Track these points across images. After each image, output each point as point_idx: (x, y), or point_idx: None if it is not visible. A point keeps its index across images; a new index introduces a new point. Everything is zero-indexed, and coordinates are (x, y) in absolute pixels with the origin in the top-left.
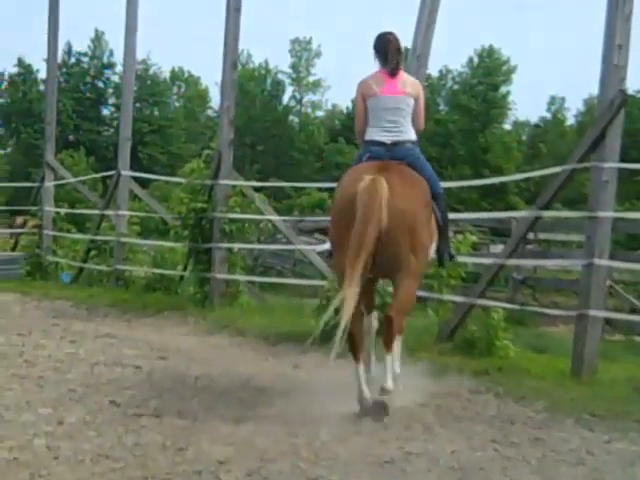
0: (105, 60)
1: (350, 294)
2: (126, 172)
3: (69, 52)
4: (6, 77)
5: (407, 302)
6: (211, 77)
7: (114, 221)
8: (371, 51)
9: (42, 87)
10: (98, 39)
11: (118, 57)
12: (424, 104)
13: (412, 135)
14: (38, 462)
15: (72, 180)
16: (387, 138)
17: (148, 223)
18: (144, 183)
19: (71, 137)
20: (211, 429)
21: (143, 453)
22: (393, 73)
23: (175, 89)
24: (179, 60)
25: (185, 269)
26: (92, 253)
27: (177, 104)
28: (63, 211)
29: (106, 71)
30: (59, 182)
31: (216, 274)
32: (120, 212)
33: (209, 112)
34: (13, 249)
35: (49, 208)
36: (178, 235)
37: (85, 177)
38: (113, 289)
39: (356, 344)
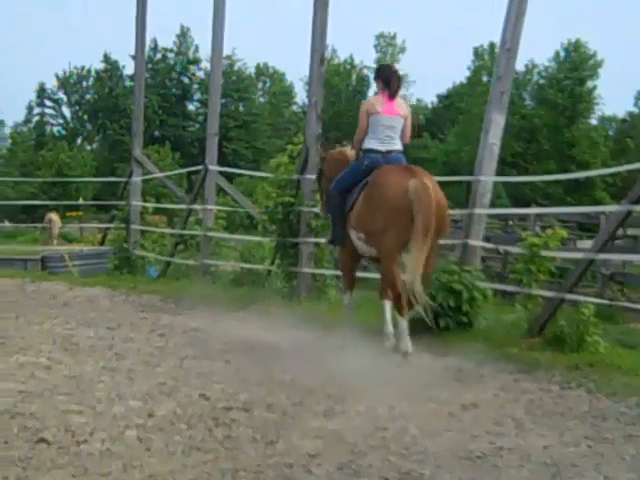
0: (190, 56)
1: (420, 270)
2: (213, 167)
3: (155, 48)
4: (93, 73)
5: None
6: (296, 73)
7: (201, 215)
8: (379, 77)
9: (128, 83)
10: (184, 35)
11: (203, 53)
12: (410, 123)
13: (400, 146)
14: (130, 453)
15: (159, 175)
16: (383, 147)
17: (233, 218)
18: (229, 178)
19: (157, 133)
20: (300, 423)
21: (234, 446)
22: (392, 97)
23: (260, 85)
24: (264, 56)
25: (272, 263)
26: (179, 247)
27: (262, 99)
28: (150, 205)
29: (191, 67)
30: (147, 177)
31: (303, 268)
32: (208, 206)
33: (294, 107)
34: (101, 243)
35: (136, 202)
36: (266, 229)
37: (172, 172)
38: (200, 283)
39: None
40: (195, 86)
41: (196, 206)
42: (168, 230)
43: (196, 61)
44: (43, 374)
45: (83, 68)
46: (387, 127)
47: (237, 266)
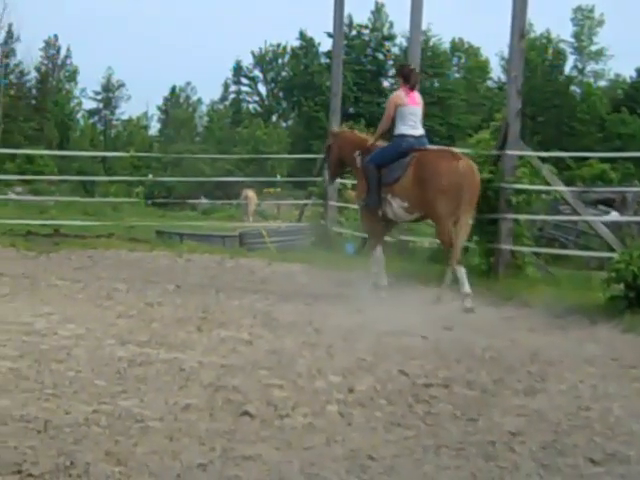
0: (385, 32)
1: (466, 235)
2: None
3: (350, 25)
4: (288, 50)
5: None
6: (491, 48)
7: None
8: (400, 74)
9: (323, 60)
10: (378, 11)
11: (398, 29)
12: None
13: (423, 130)
14: (332, 428)
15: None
16: (414, 132)
17: None
18: None
19: (351, 109)
20: (501, 401)
21: (434, 422)
22: (412, 89)
23: (455, 60)
24: (460, 31)
25: (470, 240)
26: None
27: (457, 75)
28: (349, 182)
29: (386, 43)
30: None
31: (502, 245)
32: None
33: (489, 83)
34: (298, 220)
35: None
36: None
37: None
38: (397, 260)
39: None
40: (390, 62)
41: None
42: None
43: (391, 37)
44: (244, 349)
45: (279, 45)
46: (413, 115)
47: (434, 242)
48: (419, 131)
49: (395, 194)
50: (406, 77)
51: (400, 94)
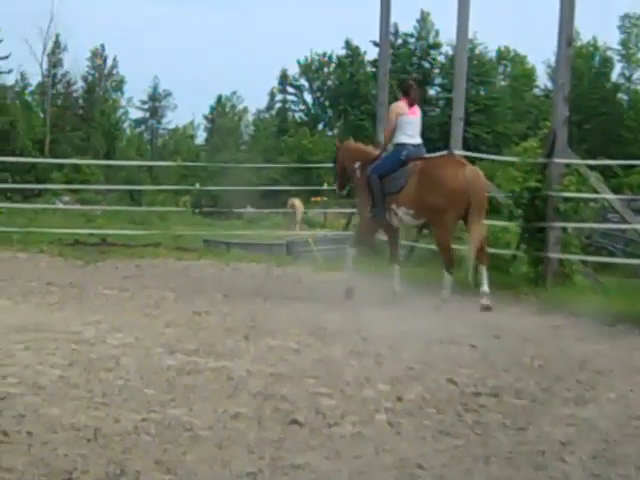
0: (431, 40)
1: (478, 239)
2: (458, 151)
3: (396, 33)
4: (334, 59)
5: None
6: (537, 56)
7: None
8: (401, 88)
9: (369, 69)
10: (424, 20)
11: (443, 37)
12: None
13: (421, 140)
14: (381, 437)
15: None
16: (413, 141)
17: None
18: (471, 162)
19: None
20: (551, 410)
21: (484, 431)
22: (412, 103)
23: (501, 68)
24: (505, 39)
25: (517, 248)
26: (424, 232)
27: (503, 83)
28: None
29: (432, 51)
30: None
31: (550, 253)
32: None
33: (535, 91)
34: (345, 228)
35: None
36: (511, 214)
37: None
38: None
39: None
40: (436, 71)
41: None
42: None
43: (437, 45)
44: (292, 357)
45: (324, 54)
46: (412, 124)
47: None
48: (417, 140)
49: (400, 203)
50: (405, 91)
51: (400, 104)
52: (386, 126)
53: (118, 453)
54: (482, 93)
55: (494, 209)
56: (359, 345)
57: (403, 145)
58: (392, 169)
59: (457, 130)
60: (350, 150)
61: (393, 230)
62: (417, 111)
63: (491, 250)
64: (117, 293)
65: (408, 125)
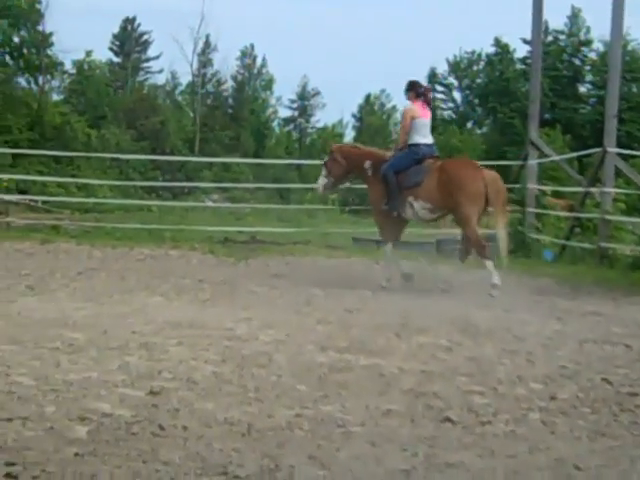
0: (582, 37)
1: (504, 232)
2: (612, 149)
3: (546, 30)
4: (483, 57)
5: None
6: None
7: (598, 198)
8: (412, 89)
9: (518, 66)
10: (575, 16)
11: (595, 34)
12: None
13: (433, 140)
14: (535, 436)
15: (556, 158)
16: (426, 140)
17: (634, 201)
18: (624, 160)
19: (547, 115)
20: None
21: None
22: (424, 105)
23: None
24: None
25: None
26: (576, 231)
27: None
28: (547, 189)
29: (583, 49)
30: (542, 160)
31: None
32: (605, 189)
33: None
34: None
35: (532, 186)
36: None
37: (569, 155)
38: (597, 267)
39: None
40: (587, 68)
41: (593, 189)
42: (563, 213)
43: (588, 42)
44: (444, 355)
45: (474, 52)
46: (426, 126)
47: (636, 250)
48: (430, 140)
49: (418, 197)
50: (418, 94)
51: (413, 107)
52: (401, 128)
53: (272, 448)
54: (634, 90)
55: None
56: (511, 343)
57: (418, 145)
58: (407, 166)
59: (611, 127)
60: (355, 152)
61: (402, 223)
62: (428, 113)
63: None
64: (267, 290)
65: (422, 127)
